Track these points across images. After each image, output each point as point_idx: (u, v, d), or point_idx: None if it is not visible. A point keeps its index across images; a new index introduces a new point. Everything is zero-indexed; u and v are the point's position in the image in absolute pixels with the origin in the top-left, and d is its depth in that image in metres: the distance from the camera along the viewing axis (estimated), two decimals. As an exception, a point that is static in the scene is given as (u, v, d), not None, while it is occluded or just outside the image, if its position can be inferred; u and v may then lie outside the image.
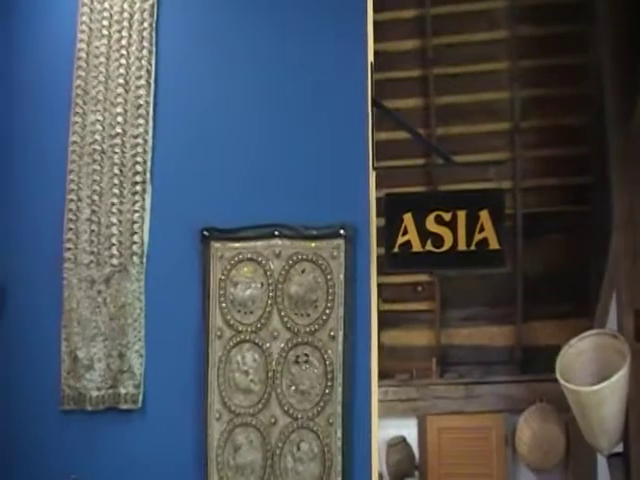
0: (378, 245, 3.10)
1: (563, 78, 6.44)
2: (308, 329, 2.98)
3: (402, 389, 6.78)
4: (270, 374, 2.99)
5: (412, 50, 6.48)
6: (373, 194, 3.09)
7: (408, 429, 6.80)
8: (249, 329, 3.03)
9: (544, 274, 6.72)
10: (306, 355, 2.97)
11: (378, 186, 3.28)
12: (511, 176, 6.56)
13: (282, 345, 2.99)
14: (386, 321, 6.06)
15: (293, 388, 2.97)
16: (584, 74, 6.33)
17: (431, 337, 6.91)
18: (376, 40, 3.37)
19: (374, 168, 3.09)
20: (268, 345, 3.00)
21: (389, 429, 6.51)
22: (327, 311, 2.97)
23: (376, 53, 3.35)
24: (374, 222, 3.05)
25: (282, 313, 3.00)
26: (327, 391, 2.94)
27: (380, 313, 3.10)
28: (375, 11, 3.35)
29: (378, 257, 3.10)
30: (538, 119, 6.61)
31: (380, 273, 3.19)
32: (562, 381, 5.00)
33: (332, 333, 2.95)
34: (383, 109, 3.25)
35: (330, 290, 2.97)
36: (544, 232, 6.72)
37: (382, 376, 3.15)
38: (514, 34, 6.45)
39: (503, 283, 6.64)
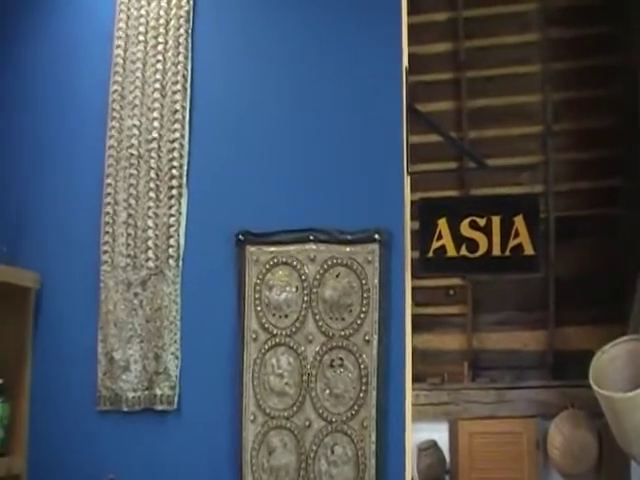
0: (412, 249, 3.10)
1: (595, 80, 6.40)
2: (343, 333, 2.99)
3: (433, 393, 6.77)
4: (305, 377, 3.00)
5: (444, 53, 6.48)
6: (408, 199, 3.09)
7: (439, 433, 6.79)
8: (284, 332, 3.04)
9: (577, 278, 6.68)
10: (341, 359, 2.98)
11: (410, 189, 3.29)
12: (543, 179, 6.53)
13: (317, 349, 3.00)
14: (418, 325, 6.01)
15: (327, 392, 2.98)
16: (616, 76, 6.29)
17: (463, 341, 6.89)
18: (409, 43, 3.37)
19: (408, 173, 3.09)
20: (303, 349, 3.02)
21: (420, 433, 6.50)
22: (362, 315, 2.97)
23: (409, 56, 3.35)
24: (408, 227, 3.04)
25: (317, 317, 3.02)
26: (361, 395, 2.94)
27: (412, 317, 3.10)
28: (408, 14, 3.36)
29: (411, 261, 3.11)
30: (570, 122, 6.58)
31: (413, 277, 3.19)
32: (595, 387, 4.98)
33: (367, 337, 2.96)
34: (418, 114, 3.25)
35: (365, 294, 2.98)
36: (576, 235, 6.68)
37: (414, 380, 3.15)
38: (546, 36, 6.42)
39: (535, 287, 6.61)
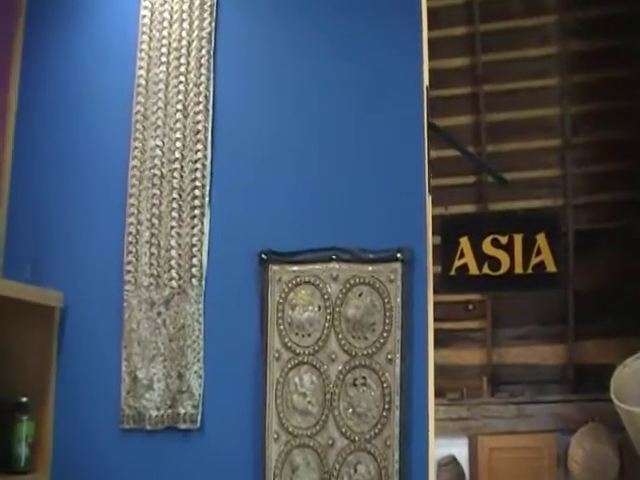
0: (434, 266, 3.10)
1: (613, 92, 6.39)
2: (365, 352, 2.99)
3: (453, 408, 6.75)
4: (328, 396, 3.01)
5: (462, 67, 6.49)
6: (429, 217, 3.10)
7: (458, 448, 6.77)
8: (307, 351, 3.05)
9: (596, 291, 6.65)
10: (364, 378, 2.98)
11: (431, 206, 3.30)
12: (562, 193, 6.52)
13: (340, 368, 3.01)
14: (437, 340, 5.96)
15: (350, 410, 2.98)
16: (635, 87, 6.27)
17: (482, 356, 6.86)
18: (427, 58, 3.39)
19: (430, 191, 3.10)
20: (326, 367, 3.02)
21: (440, 448, 6.45)
22: (384, 334, 2.98)
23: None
24: (430, 245, 3.05)
25: (339, 336, 3.02)
26: (384, 413, 2.94)
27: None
28: (426, 30, 3.38)
29: (433, 278, 3.11)
30: (589, 134, 6.56)
31: (434, 293, 3.19)
32: (616, 401, 4.96)
33: (389, 356, 2.96)
34: (439, 132, 3.26)
35: (387, 313, 2.99)
36: (595, 249, 6.65)
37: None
38: (564, 49, 6.42)
39: (554, 301, 6.58)
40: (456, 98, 6.46)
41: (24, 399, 3.17)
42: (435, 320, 3.09)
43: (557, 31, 6.45)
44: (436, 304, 3.09)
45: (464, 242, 3.06)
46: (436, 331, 3.22)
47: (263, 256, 3.14)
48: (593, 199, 6.61)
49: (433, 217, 3.15)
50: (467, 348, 6.89)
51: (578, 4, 6.39)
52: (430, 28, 3.35)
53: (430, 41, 3.30)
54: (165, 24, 3.47)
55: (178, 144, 3.33)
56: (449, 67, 6.40)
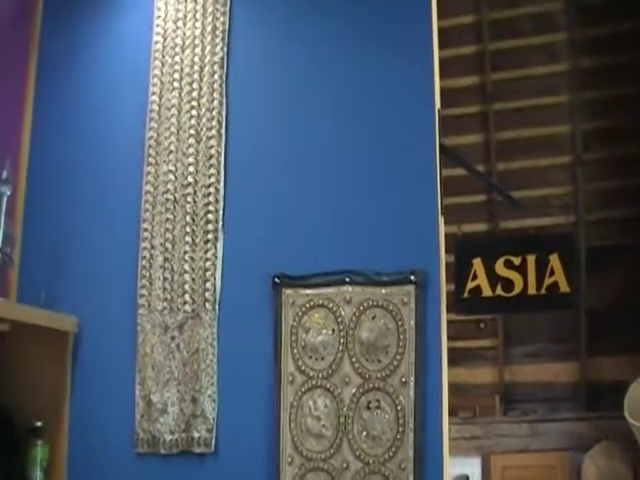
0: (447, 287, 3.10)
1: (623, 108, 6.39)
2: (379, 375, 2.99)
3: (465, 427, 6.73)
4: (342, 419, 3.00)
5: (472, 86, 6.51)
6: (442, 239, 3.10)
7: (472, 467, 6.74)
8: (320, 375, 3.05)
9: (609, 308, 6.63)
10: (377, 401, 2.98)
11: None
12: (574, 209, 6.51)
13: (353, 391, 3.01)
14: (449, 358, 5.98)
15: (365, 433, 2.98)
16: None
17: (494, 374, 6.84)
18: (436, 78, 3.40)
19: (443, 212, 3.11)
20: (339, 391, 3.02)
21: (452, 467, 6.38)
22: (398, 357, 2.98)
23: (436, 90, 3.38)
24: (444, 268, 3.05)
25: (353, 359, 3.02)
26: (399, 436, 2.94)
27: (444, 351, 3.11)
28: (435, 49, 3.39)
29: (447, 300, 3.11)
30: (599, 151, 6.57)
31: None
32: (630, 419, 4.93)
33: (403, 379, 2.96)
34: (451, 154, 3.27)
35: (401, 336, 2.99)
36: (608, 265, 6.63)
37: (445, 414, 3.15)
38: (574, 66, 6.43)
39: (567, 318, 6.56)
40: (466, 117, 6.48)
41: (38, 423, 3.18)
42: (447, 339, 3.09)
43: (567, 48, 6.47)
44: (448, 322, 3.08)
45: (477, 264, 3.07)
46: (448, 350, 3.22)
47: (276, 280, 3.15)
48: (605, 215, 6.61)
49: (446, 235, 3.15)
50: (479, 366, 6.87)
51: (587, 21, 6.41)
52: (440, 47, 3.37)
53: (440, 60, 3.32)
54: (177, 49, 3.49)
55: (191, 169, 3.35)
56: (459, 86, 6.41)
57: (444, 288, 3.06)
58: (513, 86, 6.45)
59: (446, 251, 3.12)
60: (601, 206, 6.61)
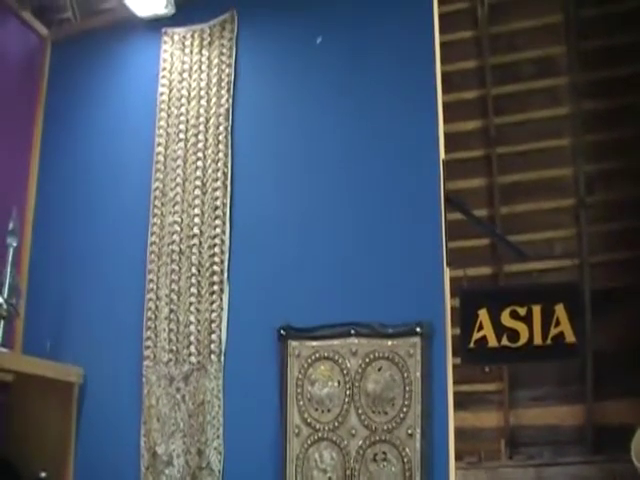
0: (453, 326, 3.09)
1: (626, 150, 6.40)
2: (385, 427, 2.97)
3: (471, 472, 6.65)
4: (348, 472, 2.98)
5: (475, 130, 6.52)
6: (448, 290, 3.10)
7: (478, 512, 6.67)
8: (327, 427, 3.04)
9: (614, 351, 6.58)
10: (384, 453, 2.96)
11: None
12: (577, 252, 6.50)
13: (360, 443, 2.99)
14: (454, 402, 5.96)
15: (371, 486, 2.96)
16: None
17: (500, 418, 6.78)
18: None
19: (448, 265, 3.11)
20: (346, 443, 3.00)
21: (459, 513, 6.38)
22: (404, 409, 2.96)
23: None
24: (449, 319, 3.05)
25: (359, 411, 3.01)
26: (405, 489, 2.92)
27: (448, 395, 3.10)
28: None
29: (452, 351, 3.10)
30: (603, 193, 6.56)
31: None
32: (637, 462, 4.89)
33: (410, 431, 2.94)
34: (457, 206, 3.28)
35: (407, 388, 2.98)
36: (613, 307, 6.60)
37: (451, 459, 3.13)
38: (576, 109, 6.45)
39: (572, 361, 6.51)
40: (469, 161, 6.48)
41: (43, 474, 3.18)
42: (452, 384, 3.08)
43: (568, 92, 6.49)
44: (453, 367, 3.08)
45: (483, 314, 3.05)
46: (453, 394, 3.22)
47: (282, 332, 3.15)
48: (608, 258, 6.58)
49: (451, 280, 3.14)
50: (484, 410, 6.81)
51: (588, 65, 6.45)
52: (443, 92, 3.39)
53: (443, 105, 3.33)
54: (183, 101, 3.53)
55: (197, 220, 3.37)
56: (462, 130, 6.43)
57: (450, 339, 3.05)
58: (516, 130, 6.46)
59: (451, 296, 3.12)
60: (605, 248, 6.58)
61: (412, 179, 3.19)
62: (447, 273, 3.13)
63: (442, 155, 3.21)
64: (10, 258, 3.26)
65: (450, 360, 3.04)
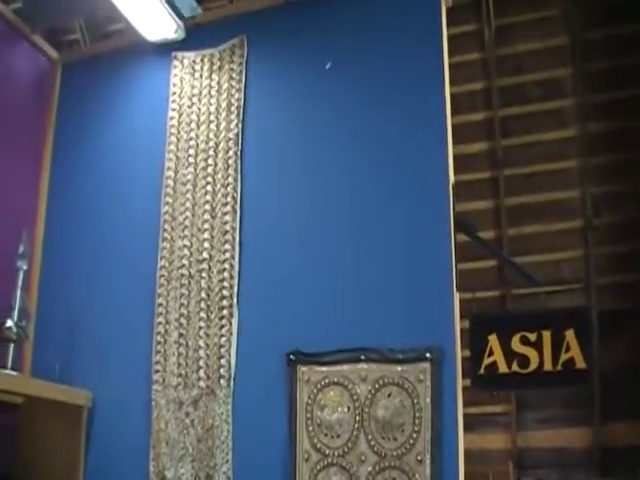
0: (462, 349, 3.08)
1: (633, 172, 6.40)
2: (395, 453, 2.96)
3: (479, 494, 6.62)
4: (358, 498, 2.98)
5: (482, 152, 6.53)
6: (457, 316, 3.09)
7: (486, 536, 6.61)
8: (336, 453, 3.03)
9: (622, 372, 6.55)
10: (393, 479, 2.95)
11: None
12: (584, 273, 6.48)
13: (369, 469, 2.98)
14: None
15: (381, 513, 2.95)
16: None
17: (507, 440, 6.74)
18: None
19: (458, 289, 3.11)
20: (355, 469, 2.99)
21: (468, 537, 6.32)
22: (414, 435, 2.95)
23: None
24: (459, 345, 3.04)
25: (369, 437, 3.00)
26: (415, 517, 2.91)
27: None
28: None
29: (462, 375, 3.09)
30: (610, 215, 6.56)
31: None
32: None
33: (419, 457, 2.93)
34: (466, 231, 3.28)
35: (417, 414, 2.97)
36: (621, 329, 6.58)
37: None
38: (583, 131, 6.46)
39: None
40: (476, 182, 6.48)
41: (51, 498, 3.17)
42: (459, 406, 3.06)
43: (575, 114, 6.50)
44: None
45: (493, 340, 3.06)
46: (461, 417, 3.22)
47: (292, 357, 3.14)
48: (616, 279, 6.56)
49: (461, 301, 3.13)
50: (492, 432, 6.76)
51: (595, 87, 6.46)
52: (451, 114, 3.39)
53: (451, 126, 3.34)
54: (193, 125, 3.55)
55: (206, 244, 3.37)
56: (469, 152, 6.44)
57: (460, 364, 3.05)
58: (522, 152, 6.46)
59: (461, 317, 3.11)
60: (612, 270, 6.57)
61: (420, 202, 3.19)
62: (457, 297, 3.13)
63: (452, 178, 3.22)
64: (20, 281, 3.27)
65: (460, 385, 3.03)
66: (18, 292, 3.25)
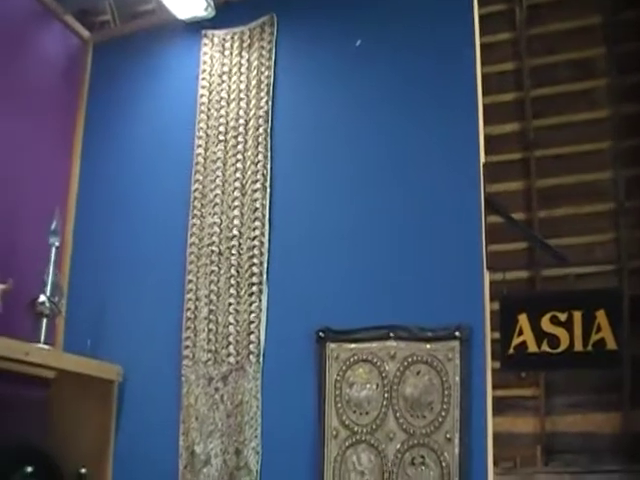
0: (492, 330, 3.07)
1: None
2: (424, 431, 2.96)
3: (506, 477, 6.59)
4: (386, 475, 2.97)
5: (512, 133, 6.48)
6: (487, 295, 3.08)
7: (512, 519, 6.61)
8: (364, 430, 3.03)
9: (652, 358, 6.50)
10: (422, 457, 2.95)
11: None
12: (616, 257, 6.42)
13: (398, 446, 2.98)
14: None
15: (409, 490, 2.95)
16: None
17: (536, 424, 6.71)
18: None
19: (488, 268, 3.09)
20: (384, 446, 3.00)
21: (495, 518, 6.32)
22: (443, 413, 2.95)
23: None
24: (489, 323, 3.02)
25: (397, 414, 3.00)
26: (443, 494, 2.91)
27: (484, 400, 3.07)
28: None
29: (492, 356, 3.08)
30: (641, 198, 6.49)
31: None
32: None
33: (448, 435, 2.93)
34: (497, 211, 3.25)
35: (446, 392, 2.96)
36: (651, 313, 6.52)
37: (486, 465, 3.10)
38: (615, 113, 6.39)
39: (609, 368, 6.43)
40: (507, 164, 6.44)
41: (83, 470, 3.21)
42: (489, 389, 3.05)
43: (607, 95, 6.42)
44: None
45: (522, 319, 3.03)
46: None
47: (321, 334, 3.15)
48: (646, 263, 6.50)
49: (491, 283, 3.12)
50: (520, 416, 6.74)
51: (627, 68, 6.39)
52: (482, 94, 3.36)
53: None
54: (223, 103, 3.55)
55: (236, 221, 3.38)
56: (500, 133, 6.39)
57: (489, 344, 3.03)
58: (554, 133, 6.41)
59: (491, 299, 3.10)
60: (641, 254, 6.51)
61: (451, 181, 3.17)
62: (487, 277, 3.11)
63: (482, 158, 3.20)
64: (53, 257, 3.30)
65: (489, 365, 3.02)
66: (51, 268, 3.28)
